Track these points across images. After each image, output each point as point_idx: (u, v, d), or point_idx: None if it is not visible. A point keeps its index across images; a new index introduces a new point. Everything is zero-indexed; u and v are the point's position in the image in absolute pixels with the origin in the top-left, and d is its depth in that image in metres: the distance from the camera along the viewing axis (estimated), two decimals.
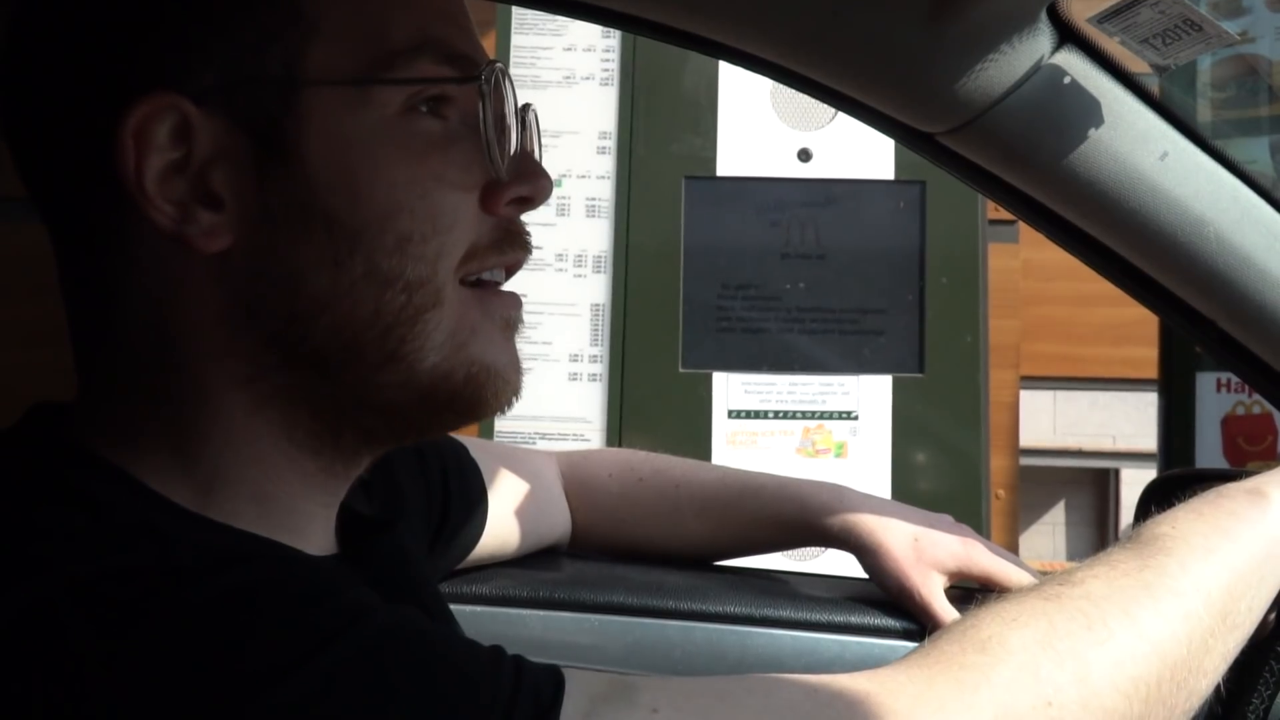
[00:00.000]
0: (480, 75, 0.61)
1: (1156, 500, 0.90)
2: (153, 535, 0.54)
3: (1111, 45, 0.81)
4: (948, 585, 0.96)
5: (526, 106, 0.66)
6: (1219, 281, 0.87)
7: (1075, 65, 0.81)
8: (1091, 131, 0.82)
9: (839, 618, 0.97)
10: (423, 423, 0.64)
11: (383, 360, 0.59)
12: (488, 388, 0.62)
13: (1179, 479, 1.01)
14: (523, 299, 0.67)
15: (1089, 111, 0.82)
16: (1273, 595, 0.74)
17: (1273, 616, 0.82)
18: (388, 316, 0.59)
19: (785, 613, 0.97)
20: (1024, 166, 0.84)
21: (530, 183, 0.64)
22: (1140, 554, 0.69)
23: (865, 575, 0.99)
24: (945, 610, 0.93)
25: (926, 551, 0.95)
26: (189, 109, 0.56)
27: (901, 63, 0.78)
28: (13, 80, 0.60)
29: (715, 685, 0.59)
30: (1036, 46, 0.79)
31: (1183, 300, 0.91)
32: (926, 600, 0.93)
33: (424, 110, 0.60)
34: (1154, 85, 0.86)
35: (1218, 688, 0.69)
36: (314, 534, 0.63)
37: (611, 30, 1.99)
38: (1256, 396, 2.41)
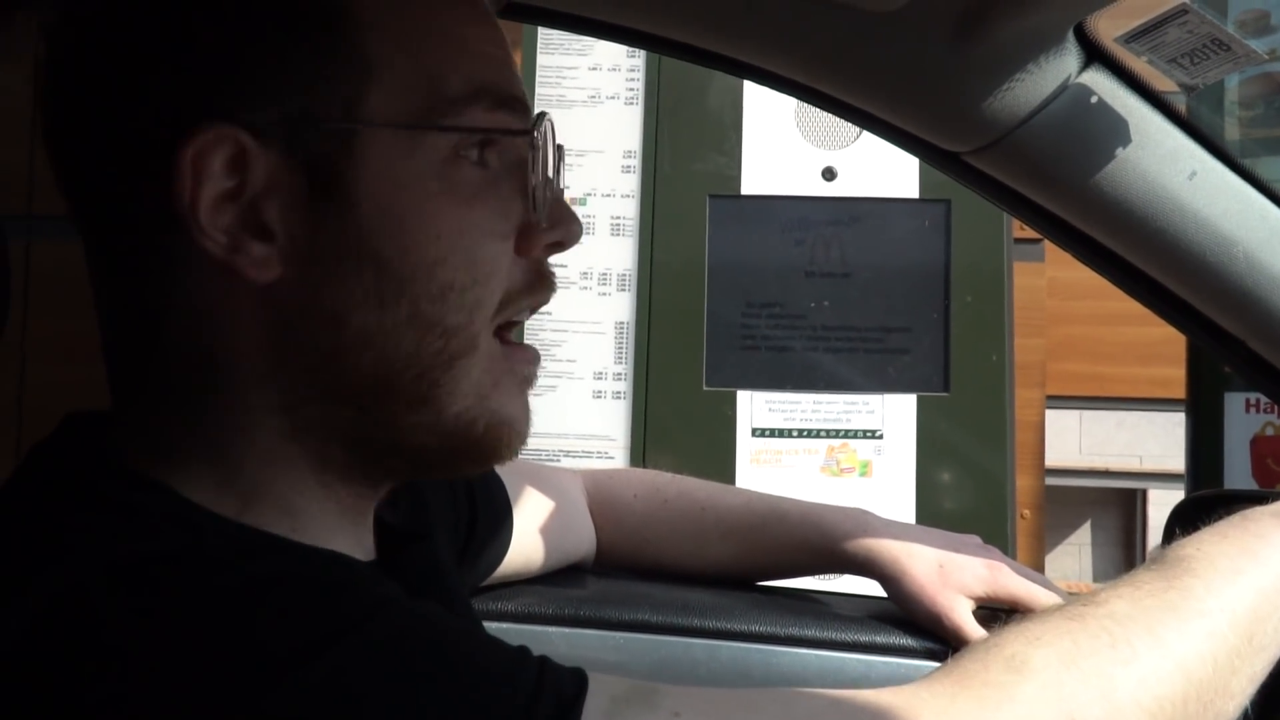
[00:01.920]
0: (532, 127, 0.62)
1: (1184, 522, 0.90)
2: (186, 526, 0.55)
3: (1139, 64, 0.80)
4: (975, 609, 0.95)
5: (560, 148, 0.67)
6: (1248, 301, 0.86)
7: (1102, 84, 0.81)
8: (1119, 151, 0.82)
9: (864, 637, 0.96)
10: (442, 467, 0.66)
11: (415, 401, 0.60)
12: (503, 439, 0.64)
13: (1208, 500, 1.01)
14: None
15: (1116, 130, 0.81)
16: None
17: None
18: (425, 359, 0.60)
19: (811, 632, 0.97)
20: (1051, 185, 0.84)
21: (564, 228, 0.65)
22: (1165, 575, 0.69)
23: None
24: (977, 635, 0.92)
25: (952, 577, 0.95)
26: (246, 141, 0.56)
27: (928, 82, 0.78)
28: (64, 97, 0.60)
29: (738, 694, 0.59)
30: (1064, 66, 0.79)
31: (1211, 320, 0.90)
32: (956, 626, 0.93)
33: (471, 156, 0.61)
34: (1180, 104, 0.86)
35: (1245, 712, 0.68)
36: (348, 547, 0.64)
37: (637, 50, 1.99)
38: None
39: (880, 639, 0.96)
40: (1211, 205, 0.84)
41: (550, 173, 0.64)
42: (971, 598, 0.94)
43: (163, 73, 0.57)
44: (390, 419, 0.61)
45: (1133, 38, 0.78)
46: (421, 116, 0.59)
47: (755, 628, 0.97)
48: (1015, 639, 0.63)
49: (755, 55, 0.79)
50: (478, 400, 0.62)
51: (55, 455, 0.61)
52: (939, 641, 0.95)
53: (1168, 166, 0.83)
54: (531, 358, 0.66)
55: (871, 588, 1.01)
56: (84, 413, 0.64)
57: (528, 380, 0.66)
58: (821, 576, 1.06)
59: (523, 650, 0.54)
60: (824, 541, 0.99)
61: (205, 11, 0.58)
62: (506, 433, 0.63)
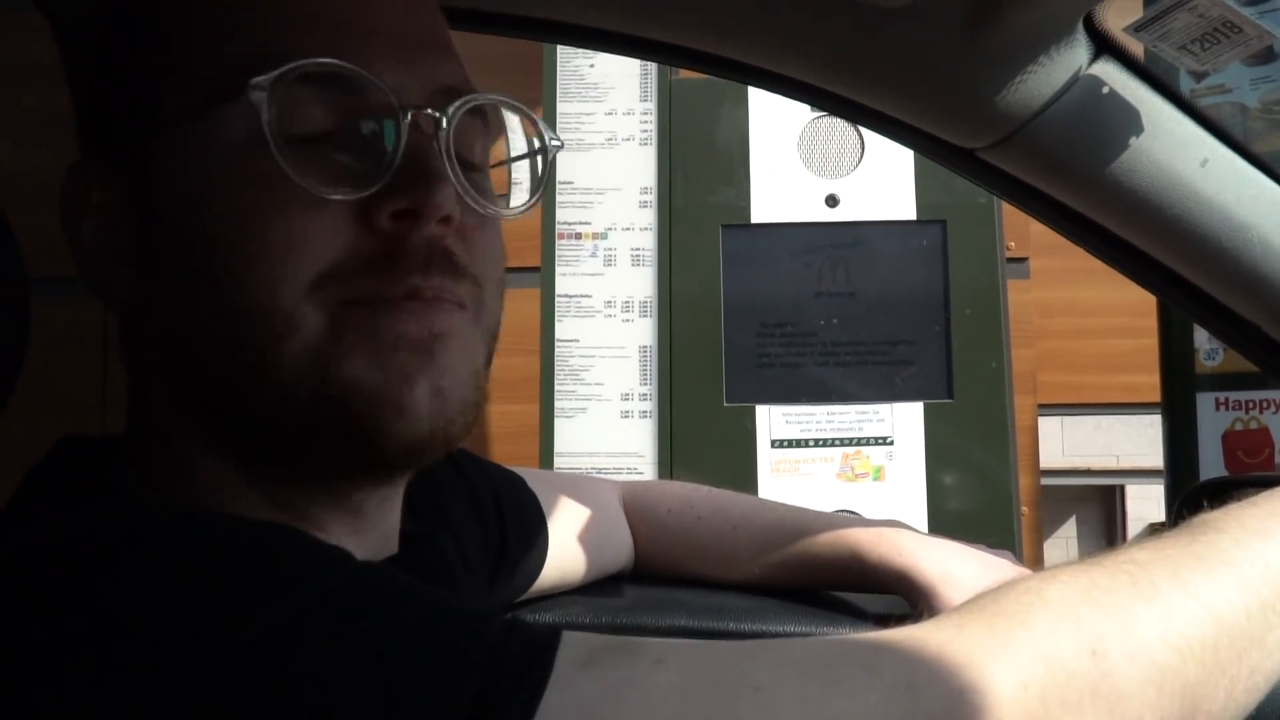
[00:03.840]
0: (263, 82, 0.48)
1: (1193, 507, 0.81)
2: (126, 508, 0.47)
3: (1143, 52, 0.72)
4: None
5: (448, 109, 0.52)
6: (1264, 285, 0.77)
7: (1113, 75, 0.72)
8: (1132, 140, 0.73)
9: None
10: (314, 453, 0.52)
11: (245, 392, 0.51)
12: (362, 409, 0.50)
13: (1217, 485, 0.91)
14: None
15: (1129, 121, 0.72)
16: None
17: None
18: (241, 347, 0.50)
19: (846, 630, 0.87)
20: (1065, 178, 0.75)
21: (408, 194, 0.50)
22: (1190, 532, 0.56)
23: None
24: None
25: None
26: (92, 167, 0.53)
27: (940, 78, 0.70)
28: None
29: (730, 644, 0.48)
30: (1074, 58, 0.70)
31: (1226, 306, 0.81)
32: None
33: (281, 125, 0.49)
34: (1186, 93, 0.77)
35: None
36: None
37: (649, 94, 1.95)
38: (1254, 412, 2.31)
39: None
40: (1224, 192, 0.75)
41: (398, 134, 0.50)
42: None
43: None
44: (236, 417, 0.52)
45: (1141, 27, 0.70)
46: (208, 97, 0.50)
47: (790, 629, 0.87)
48: (1029, 579, 0.51)
49: (766, 59, 0.71)
50: (318, 375, 0.50)
51: (48, 479, 0.53)
52: None
53: (1180, 155, 0.74)
54: (411, 319, 0.51)
55: None
56: (75, 437, 0.56)
57: (406, 344, 0.51)
58: None
59: (491, 611, 0.45)
60: (856, 563, 0.87)
61: None
62: (362, 401, 0.50)
